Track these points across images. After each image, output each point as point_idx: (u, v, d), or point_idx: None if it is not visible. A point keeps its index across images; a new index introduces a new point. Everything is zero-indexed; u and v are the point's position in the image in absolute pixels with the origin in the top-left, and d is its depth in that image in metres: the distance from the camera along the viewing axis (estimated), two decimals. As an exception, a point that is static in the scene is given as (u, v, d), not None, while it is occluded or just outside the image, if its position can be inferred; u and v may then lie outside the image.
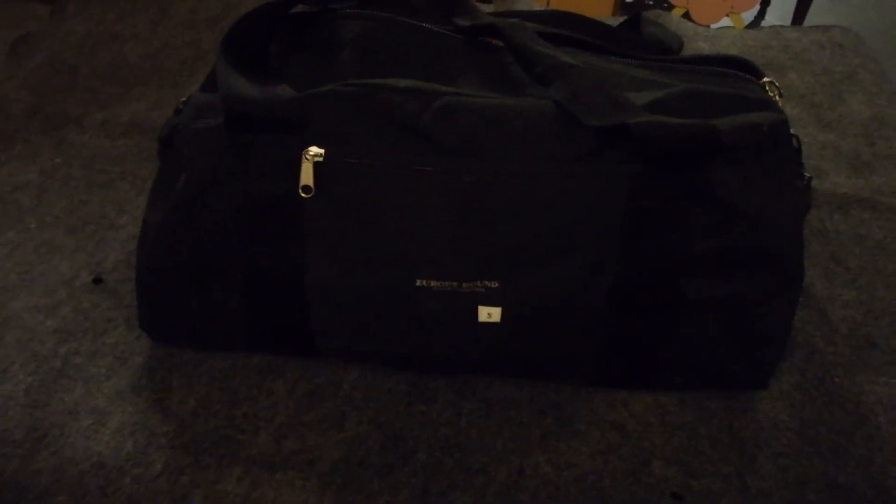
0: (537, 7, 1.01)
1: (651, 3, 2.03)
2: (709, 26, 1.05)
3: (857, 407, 0.57)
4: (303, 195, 0.51)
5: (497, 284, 0.51)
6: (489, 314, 0.52)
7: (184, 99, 0.56)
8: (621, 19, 0.70)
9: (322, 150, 0.50)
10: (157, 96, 0.85)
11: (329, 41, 0.56)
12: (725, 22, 1.86)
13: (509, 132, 0.50)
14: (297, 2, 0.57)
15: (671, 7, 1.86)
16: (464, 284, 0.51)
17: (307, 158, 0.50)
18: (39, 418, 0.53)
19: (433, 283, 0.51)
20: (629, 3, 1.98)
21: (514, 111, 0.50)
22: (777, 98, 0.56)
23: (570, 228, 0.51)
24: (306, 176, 0.50)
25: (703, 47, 0.96)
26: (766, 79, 0.57)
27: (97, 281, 0.64)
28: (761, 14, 2.16)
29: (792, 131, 0.54)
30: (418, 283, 0.51)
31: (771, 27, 1.03)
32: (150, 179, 0.57)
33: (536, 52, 0.52)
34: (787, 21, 2.01)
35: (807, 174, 0.57)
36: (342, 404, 0.55)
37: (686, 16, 1.79)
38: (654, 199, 0.50)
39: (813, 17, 1.96)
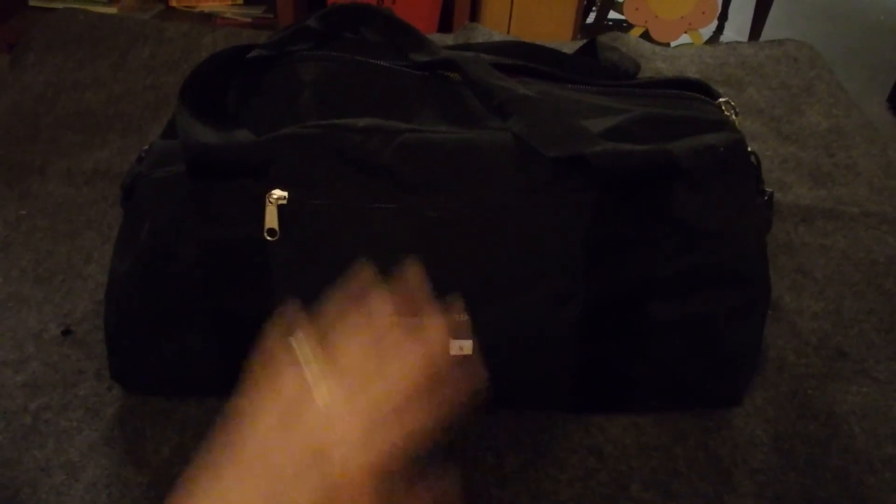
0: (496, 36, 1.02)
1: (610, 23, 2.07)
2: (668, 44, 1.07)
3: (830, 418, 0.57)
4: (268, 238, 0.51)
5: (466, 318, 0.51)
6: (461, 347, 0.52)
7: (146, 147, 0.55)
8: (581, 42, 0.71)
9: (285, 193, 0.50)
10: (120, 143, 0.84)
11: (287, 84, 0.56)
12: (685, 38, 1.89)
13: (469, 166, 0.50)
14: (253, 46, 0.57)
15: (630, 27, 1.89)
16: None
17: (271, 202, 0.50)
18: (10, 477, 0.52)
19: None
20: (589, 24, 2.01)
21: (472, 145, 0.51)
22: (734, 117, 0.57)
23: (535, 258, 0.51)
24: (271, 219, 0.50)
25: (662, 67, 0.97)
26: (721, 99, 0.58)
27: (66, 332, 0.63)
28: (719, 29, 2.21)
29: (752, 146, 0.54)
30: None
31: (728, 43, 1.05)
32: (115, 227, 0.57)
33: (493, 86, 0.53)
34: (745, 35, 2.05)
35: (768, 189, 0.58)
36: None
37: (645, 34, 1.83)
38: (615, 225, 0.51)
39: (769, 31, 2.00)
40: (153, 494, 0.51)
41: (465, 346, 0.52)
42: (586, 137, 0.50)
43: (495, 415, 0.57)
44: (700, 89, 0.59)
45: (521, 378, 0.55)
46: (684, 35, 1.88)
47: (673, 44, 1.81)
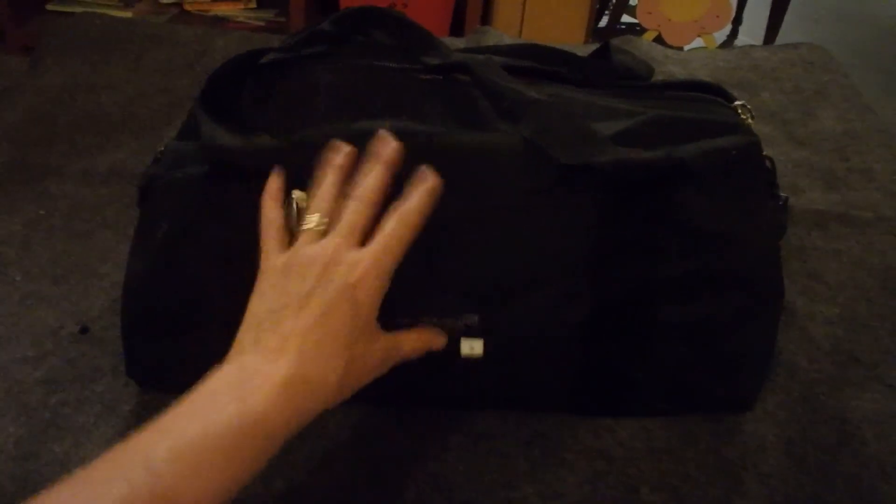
0: (508, 39, 1.02)
1: (623, 27, 2.06)
2: (682, 48, 1.07)
3: (842, 424, 0.57)
4: None
5: (477, 318, 0.52)
6: (471, 347, 0.52)
7: (161, 147, 0.56)
8: (594, 45, 0.71)
9: (305, 194, 0.50)
10: (134, 144, 0.85)
11: (301, 89, 0.57)
12: (698, 42, 1.89)
13: (475, 168, 0.51)
14: (268, 50, 0.58)
15: (643, 30, 1.88)
16: (445, 319, 0.52)
17: (290, 202, 0.50)
18: (29, 470, 0.53)
19: (413, 321, 0.52)
20: (601, 28, 2.01)
21: (479, 147, 0.51)
22: (749, 120, 0.57)
23: (541, 260, 0.51)
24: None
25: (675, 70, 0.97)
26: (737, 102, 0.58)
27: (83, 330, 0.64)
28: (733, 33, 2.20)
29: (765, 152, 0.54)
30: (398, 320, 0.52)
31: (741, 47, 1.05)
32: (131, 226, 0.57)
33: (504, 89, 0.53)
34: (759, 39, 2.04)
35: (783, 194, 0.58)
36: (329, 443, 0.55)
37: (658, 38, 1.82)
38: (622, 228, 0.51)
39: (783, 35, 1.99)
40: (167, 491, 0.52)
41: (475, 346, 0.53)
42: (597, 143, 0.50)
43: (503, 416, 0.57)
44: (715, 92, 0.59)
45: (531, 378, 0.55)
46: (697, 39, 1.88)
47: (686, 48, 1.80)
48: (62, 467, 0.53)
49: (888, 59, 2.14)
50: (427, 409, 0.57)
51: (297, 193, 0.50)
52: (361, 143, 0.50)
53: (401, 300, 0.51)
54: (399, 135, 0.51)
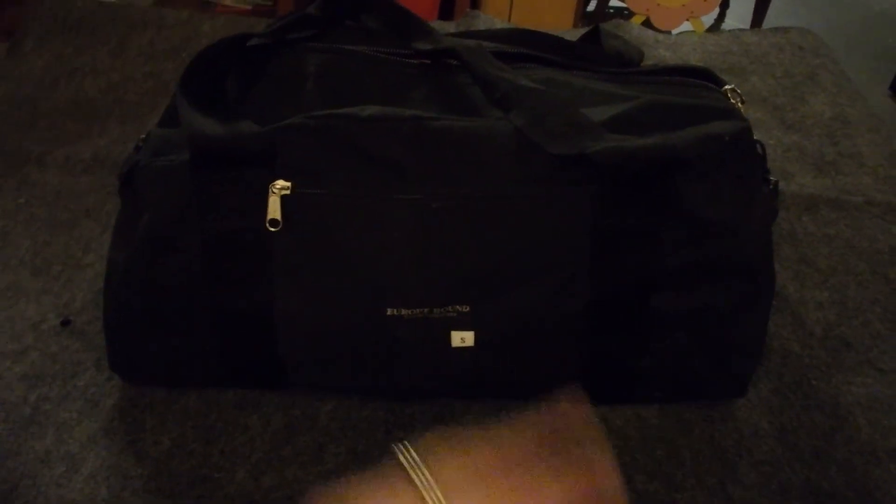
0: (498, 24, 1.01)
1: (612, 10, 2.05)
2: (670, 32, 1.06)
3: (835, 409, 0.57)
4: (270, 229, 0.50)
5: (468, 308, 0.51)
6: (462, 339, 0.52)
7: (143, 135, 0.55)
8: (583, 30, 0.70)
9: (289, 183, 0.49)
10: (119, 131, 0.83)
11: (289, 75, 0.56)
12: (686, 26, 1.88)
13: (472, 156, 0.50)
14: (252, 35, 0.57)
15: (631, 14, 1.88)
16: (435, 310, 0.51)
17: (274, 192, 0.49)
18: (10, 468, 0.52)
19: (404, 311, 0.51)
20: (590, 12, 2.00)
21: (475, 134, 0.50)
22: (739, 105, 0.56)
23: (538, 250, 0.50)
24: (273, 209, 0.50)
25: (665, 54, 0.97)
26: (727, 86, 0.57)
27: (65, 323, 0.62)
28: (721, 17, 2.19)
29: (756, 137, 0.54)
30: (389, 311, 0.51)
31: (731, 31, 1.05)
32: (115, 216, 0.56)
33: (495, 77, 0.52)
34: (747, 23, 2.03)
35: (773, 178, 0.57)
36: (320, 436, 0.55)
37: (647, 22, 1.81)
38: (619, 217, 0.50)
39: (771, 18, 1.99)
40: (153, 486, 0.51)
41: (466, 338, 0.52)
42: (588, 133, 0.49)
43: (496, 405, 0.56)
44: (706, 77, 0.59)
45: (524, 369, 0.54)
46: (686, 23, 1.87)
47: (674, 32, 1.79)
48: (44, 465, 0.52)
49: (874, 44, 2.14)
50: (418, 400, 0.57)
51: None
52: (347, 127, 0.50)
53: (390, 291, 0.51)
54: (387, 118, 0.50)
